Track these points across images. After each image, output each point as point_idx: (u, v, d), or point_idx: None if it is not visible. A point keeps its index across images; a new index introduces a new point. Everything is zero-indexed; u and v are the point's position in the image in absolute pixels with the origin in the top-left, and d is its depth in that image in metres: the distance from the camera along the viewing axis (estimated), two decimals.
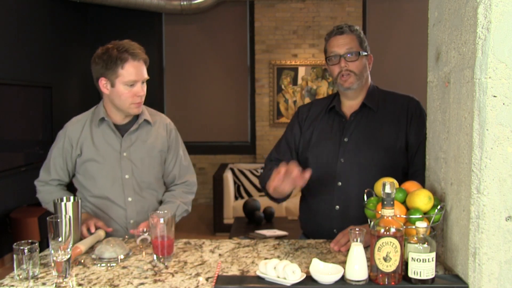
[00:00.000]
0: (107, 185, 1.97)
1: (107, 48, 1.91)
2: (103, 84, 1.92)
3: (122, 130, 2.00)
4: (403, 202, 1.46)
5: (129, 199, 1.98)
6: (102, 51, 1.92)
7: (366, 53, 1.88)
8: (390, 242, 1.26)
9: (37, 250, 1.43)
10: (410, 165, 1.87)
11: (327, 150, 1.89)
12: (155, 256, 1.53)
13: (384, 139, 1.85)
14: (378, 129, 1.86)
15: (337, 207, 1.85)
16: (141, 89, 1.90)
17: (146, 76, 1.92)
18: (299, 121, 2.01)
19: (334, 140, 1.89)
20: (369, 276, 1.31)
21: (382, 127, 1.86)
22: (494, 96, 1.21)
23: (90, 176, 1.98)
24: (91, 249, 1.64)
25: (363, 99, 1.90)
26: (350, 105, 1.93)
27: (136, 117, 2.01)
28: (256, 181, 5.80)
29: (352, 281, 1.29)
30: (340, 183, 1.85)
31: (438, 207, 1.40)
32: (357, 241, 1.31)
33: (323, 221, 1.89)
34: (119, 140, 1.98)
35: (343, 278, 1.30)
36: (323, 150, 1.90)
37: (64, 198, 1.69)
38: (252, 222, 4.63)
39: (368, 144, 1.84)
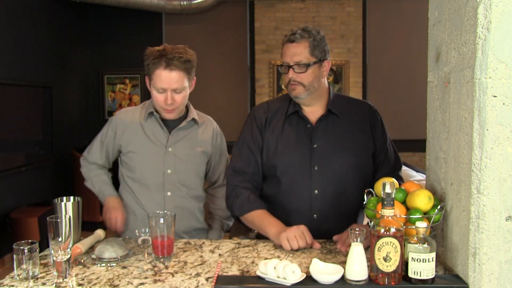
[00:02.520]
0: (148, 178, 2.00)
1: (154, 49, 1.94)
2: (148, 82, 1.98)
3: (170, 126, 2.04)
4: (403, 202, 1.46)
5: (168, 193, 2.01)
6: (149, 51, 1.95)
7: (317, 62, 1.80)
8: (390, 242, 1.26)
9: (37, 250, 1.43)
10: (378, 170, 1.90)
11: (299, 157, 1.84)
12: (155, 256, 1.53)
13: (353, 145, 1.86)
14: (345, 134, 1.86)
15: (315, 216, 1.83)
16: (170, 97, 1.91)
17: (180, 85, 1.91)
18: (258, 125, 1.92)
19: (303, 147, 1.84)
20: (369, 276, 1.31)
21: (348, 133, 1.87)
22: (494, 96, 1.21)
23: (131, 167, 2.01)
24: (91, 249, 1.64)
25: (327, 104, 1.88)
26: (311, 110, 1.89)
27: (186, 115, 2.06)
28: None
29: (352, 281, 1.29)
30: (316, 191, 1.82)
31: (438, 207, 1.40)
32: (357, 241, 1.31)
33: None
34: (166, 135, 2.02)
35: (343, 278, 1.30)
36: (293, 157, 1.84)
37: (64, 198, 1.69)
38: None
39: (339, 149, 1.84)
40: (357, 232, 1.31)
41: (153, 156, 1.99)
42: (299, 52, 1.79)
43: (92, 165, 2.13)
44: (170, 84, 1.89)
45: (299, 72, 1.79)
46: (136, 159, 2.00)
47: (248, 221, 1.85)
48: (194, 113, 2.08)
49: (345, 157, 1.83)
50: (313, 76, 1.81)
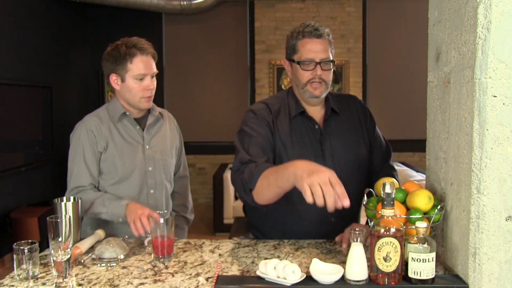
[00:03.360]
0: (131, 179, 1.98)
1: (116, 44, 1.95)
2: (114, 80, 1.97)
3: (139, 124, 2.04)
4: (403, 202, 1.46)
5: (151, 191, 2.02)
6: (112, 48, 1.96)
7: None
8: (390, 242, 1.26)
9: (37, 250, 1.43)
10: (370, 161, 1.91)
11: (313, 162, 1.66)
12: (155, 256, 1.53)
13: (354, 142, 1.85)
14: (346, 132, 1.85)
15: (333, 219, 1.80)
16: (151, 83, 1.95)
17: (155, 70, 1.97)
18: (266, 124, 1.77)
19: (315, 150, 1.78)
20: (369, 276, 1.31)
21: (348, 130, 1.85)
22: (494, 96, 1.21)
23: (112, 171, 1.97)
24: (91, 249, 1.64)
25: (326, 103, 1.86)
26: (314, 110, 1.84)
27: (149, 110, 2.06)
28: None
29: (352, 281, 1.29)
30: None
31: (438, 207, 1.40)
32: (357, 241, 1.31)
33: (319, 232, 1.78)
34: (141, 133, 2.03)
35: (343, 278, 1.30)
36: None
37: (64, 198, 1.69)
38: None
39: (345, 149, 1.82)
40: (357, 232, 1.31)
41: (133, 156, 1.99)
42: (326, 48, 1.74)
43: (87, 191, 1.92)
44: (149, 69, 1.93)
45: (325, 69, 1.75)
46: (117, 162, 1.96)
47: (264, 188, 1.51)
48: (157, 108, 2.10)
49: (351, 156, 1.82)
50: (331, 74, 1.79)
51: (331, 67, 1.77)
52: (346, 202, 1.27)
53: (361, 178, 1.87)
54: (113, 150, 1.96)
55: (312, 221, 1.80)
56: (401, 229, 1.28)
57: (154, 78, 1.98)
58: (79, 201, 1.71)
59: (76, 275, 1.42)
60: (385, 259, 1.27)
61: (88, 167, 1.95)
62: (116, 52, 1.92)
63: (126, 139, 1.99)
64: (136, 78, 1.92)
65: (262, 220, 1.89)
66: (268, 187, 1.50)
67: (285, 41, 1.85)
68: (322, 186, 1.26)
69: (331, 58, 1.77)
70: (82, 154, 1.94)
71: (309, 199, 1.28)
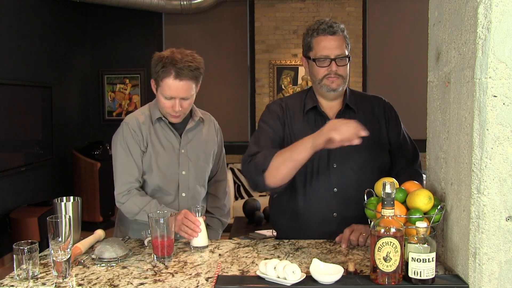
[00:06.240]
0: (164, 180, 1.99)
1: (162, 55, 1.90)
2: (153, 85, 1.97)
3: (178, 128, 2.04)
4: (403, 202, 1.46)
5: (183, 194, 2.03)
6: (157, 56, 1.92)
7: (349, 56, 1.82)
8: (390, 242, 1.26)
9: (37, 250, 1.43)
10: (394, 164, 1.89)
11: (318, 154, 1.76)
12: (155, 256, 1.53)
13: (368, 141, 1.79)
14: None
15: (335, 214, 1.81)
16: (177, 105, 1.89)
17: (189, 93, 1.90)
18: (276, 117, 1.87)
19: None
20: (369, 275, 1.31)
21: (365, 128, 1.84)
22: (494, 96, 1.21)
23: (146, 171, 1.99)
24: (91, 249, 1.64)
25: (343, 99, 1.87)
26: (329, 105, 1.88)
27: (190, 114, 2.06)
28: None
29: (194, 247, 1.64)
30: (336, 189, 1.80)
31: (438, 207, 1.40)
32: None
33: (319, 228, 1.81)
34: (178, 138, 2.03)
35: (343, 278, 1.30)
36: (313, 155, 1.76)
37: (64, 198, 1.69)
38: (252, 222, 4.63)
39: (356, 146, 1.77)
40: (197, 208, 1.69)
41: (168, 159, 2.00)
42: (340, 44, 1.78)
43: (135, 195, 1.94)
44: (179, 93, 1.88)
45: (341, 65, 1.78)
46: (152, 162, 1.98)
47: (279, 164, 1.65)
48: (199, 113, 2.10)
49: (362, 154, 1.81)
50: (348, 69, 1.82)
51: (347, 62, 1.80)
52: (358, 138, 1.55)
53: (369, 177, 1.80)
54: (151, 151, 1.99)
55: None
56: (401, 229, 1.28)
57: (188, 100, 1.92)
58: (79, 201, 1.71)
59: (76, 275, 1.42)
60: (385, 259, 1.27)
61: (135, 161, 1.97)
62: (157, 62, 1.89)
63: (162, 141, 2.01)
64: (163, 96, 1.90)
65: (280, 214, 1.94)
66: (284, 163, 1.64)
67: (302, 38, 1.89)
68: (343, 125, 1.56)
69: (347, 54, 1.80)
70: (128, 151, 1.97)
71: (341, 135, 1.54)
